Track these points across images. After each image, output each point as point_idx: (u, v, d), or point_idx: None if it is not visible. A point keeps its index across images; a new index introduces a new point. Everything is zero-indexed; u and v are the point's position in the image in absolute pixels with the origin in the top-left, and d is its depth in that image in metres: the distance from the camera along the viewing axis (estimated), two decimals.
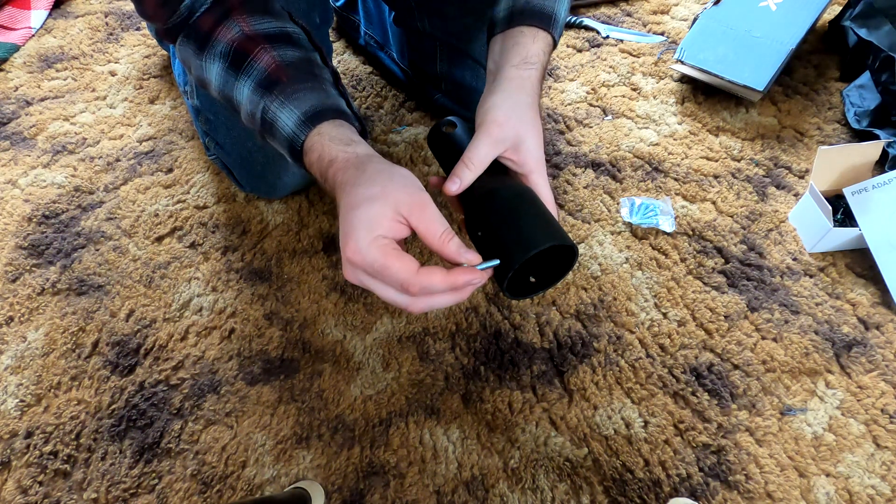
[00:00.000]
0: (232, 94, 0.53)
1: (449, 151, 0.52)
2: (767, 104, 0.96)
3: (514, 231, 0.44)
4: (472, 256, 0.41)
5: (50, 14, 1.17)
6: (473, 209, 0.48)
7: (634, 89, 1.00)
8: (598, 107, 0.98)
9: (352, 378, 0.71)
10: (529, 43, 0.53)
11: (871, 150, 0.78)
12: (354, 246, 0.38)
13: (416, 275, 0.38)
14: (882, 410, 0.65)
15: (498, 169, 0.50)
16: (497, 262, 0.42)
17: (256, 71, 0.51)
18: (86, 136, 0.97)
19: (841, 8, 1.00)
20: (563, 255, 0.46)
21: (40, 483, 0.64)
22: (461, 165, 0.47)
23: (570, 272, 0.45)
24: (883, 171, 0.80)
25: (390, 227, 0.40)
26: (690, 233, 0.82)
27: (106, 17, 1.17)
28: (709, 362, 0.70)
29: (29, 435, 0.67)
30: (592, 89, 1.01)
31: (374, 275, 0.39)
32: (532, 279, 0.48)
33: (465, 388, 0.70)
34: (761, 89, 0.89)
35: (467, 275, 0.40)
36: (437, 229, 0.40)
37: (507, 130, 0.48)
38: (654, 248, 0.81)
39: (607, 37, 1.09)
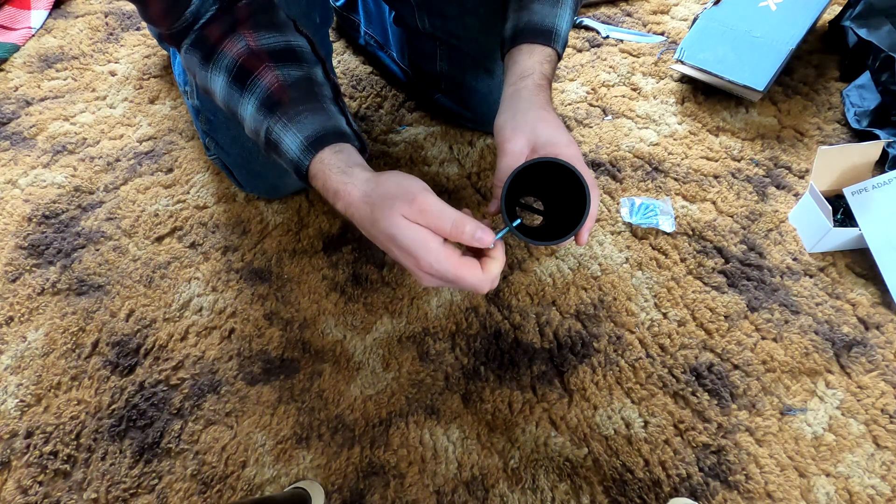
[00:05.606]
0: (236, 109, 0.54)
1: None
2: (767, 104, 0.96)
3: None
4: (487, 235, 0.43)
5: (50, 14, 1.17)
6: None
7: (634, 89, 1.00)
8: (598, 107, 0.98)
9: (352, 378, 0.71)
10: (525, 59, 0.57)
11: (871, 150, 0.78)
12: (426, 264, 0.43)
13: (484, 277, 0.44)
14: (882, 410, 0.66)
15: None
16: (506, 230, 0.45)
17: (260, 89, 0.52)
18: (86, 136, 0.97)
19: (841, 8, 1.00)
20: (569, 186, 0.46)
21: (40, 483, 0.64)
22: (494, 187, 0.53)
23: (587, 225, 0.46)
24: (883, 171, 0.80)
25: (434, 235, 0.43)
26: (690, 233, 0.82)
27: (106, 17, 1.17)
28: (709, 362, 0.70)
29: (29, 435, 0.67)
30: (592, 89, 1.01)
31: (449, 281, 0.44)
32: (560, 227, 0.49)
33: (465, 388, 0.70)
34: (761, 89, 0.89)
35: (499, 256, 0.45)
36: (445, 226, 0.42)
37: (516, 141, 0.51)
38: (654, 248, 0.81)
39: (607, 37, 1.09)
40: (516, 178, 0.46)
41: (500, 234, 0.45)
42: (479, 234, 0.42)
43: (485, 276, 0.44)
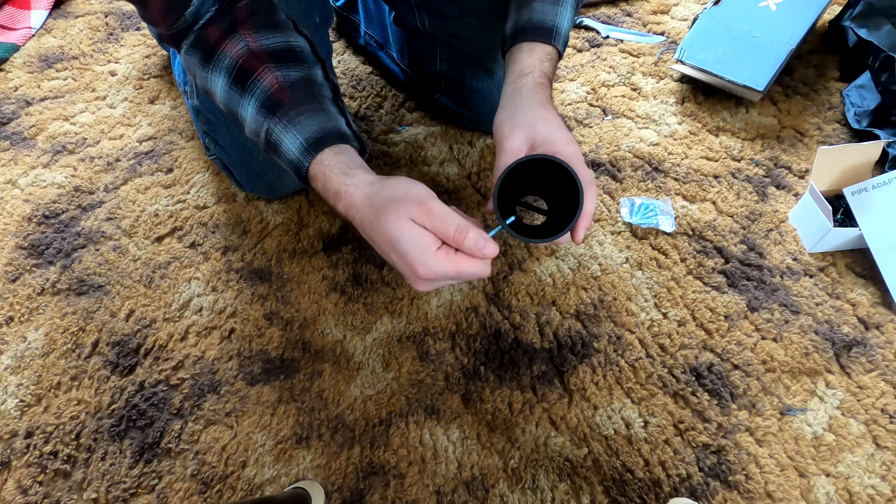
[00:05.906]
0: (237, 111, 0.55)
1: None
2: (767, 104, 0.96)
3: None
4: (489, 247, 0.44)
5: (50, 14, 1.17)
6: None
7: (634, 89, 1.00)
8: (598, 107, 0.98)
9: (352, 378, 0.71)
10: (525, 57, 0.57)
11: (871, 150, 0.78)
12: (425, 269, 0.43)
13: (485, 263, 0.44)
14: (882, 410, 0.66)
15: None
16: (500, 227, 0.46)
17: (260, 90, 0.52)
18: (86, 136, 0.97)
19: (841, 8, 1.00)
20: (565, 184, 0.46)
21: (40, 483, 0.64)
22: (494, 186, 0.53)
23: (587, 214, 0.47)
24: (883, 171, 0.80)
25: (435, 239, 0.44)
26: (690, 233, 0.82)
27: (106, 17, 1.17)
28: (709, 362, 0.70)
29: (29, 435, 0.67)
30: (592, 89, 1.01)
31: (451, 278, 0.45)
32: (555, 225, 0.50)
33: (465, 388, 0.70)
34: (761, 89, 0.89)
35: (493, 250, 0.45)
36: (449, 230, 0.43)
37: (516, 139, 0.51)
38: (654, 248, 0.81)
39: (607, 37, 1.09)
40: (514, 176, 0.46)
41: (493, 232, 0.45)
42: (482, 243, 0.43)
43: (483, 261, 0.45)
